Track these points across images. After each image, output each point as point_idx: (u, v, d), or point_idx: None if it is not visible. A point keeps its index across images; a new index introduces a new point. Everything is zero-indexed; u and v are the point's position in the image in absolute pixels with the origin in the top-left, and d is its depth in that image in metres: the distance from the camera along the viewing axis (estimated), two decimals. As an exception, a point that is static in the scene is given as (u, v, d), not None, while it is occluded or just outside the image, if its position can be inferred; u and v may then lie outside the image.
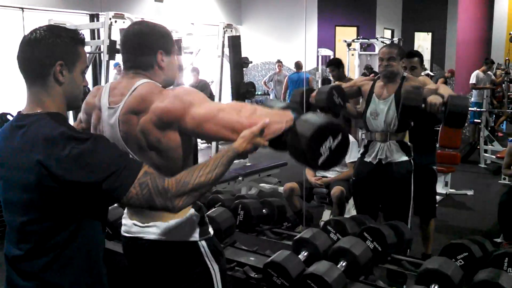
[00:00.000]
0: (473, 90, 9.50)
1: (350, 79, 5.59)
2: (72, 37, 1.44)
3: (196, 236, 1.74)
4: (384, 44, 4.62)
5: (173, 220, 1.71)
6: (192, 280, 1.74)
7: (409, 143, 3.32)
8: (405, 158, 3.28)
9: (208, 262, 1.76)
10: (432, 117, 3.53)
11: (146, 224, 1.74)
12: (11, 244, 1.48)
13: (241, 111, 1.58)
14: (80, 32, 1.51)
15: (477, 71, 9.52)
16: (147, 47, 1.69)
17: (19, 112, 1.48)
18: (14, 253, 1.46)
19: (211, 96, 7.48)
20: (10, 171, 1.42)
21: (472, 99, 9.49)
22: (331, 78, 6.02)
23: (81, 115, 1.91)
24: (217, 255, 1.80)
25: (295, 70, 11.10)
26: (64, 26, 1.50)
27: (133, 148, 1.65)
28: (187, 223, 1.73)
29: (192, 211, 1.76)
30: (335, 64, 5.83)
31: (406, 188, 3.33)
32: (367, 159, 3.37)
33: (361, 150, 3.51)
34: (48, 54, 1.39)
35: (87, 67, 1.56)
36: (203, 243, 1.75)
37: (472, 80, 9.51)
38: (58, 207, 1.38)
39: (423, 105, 2.89)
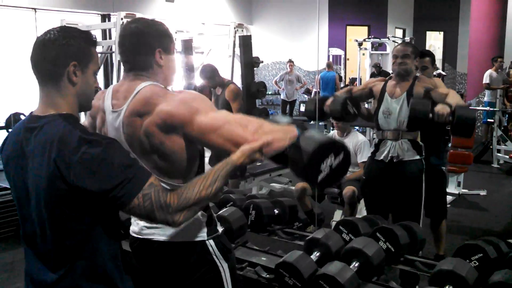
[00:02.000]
0: (486, 90, 9.41)
1: (228, 82, 5.20)
2: (85, 38, 1.45)
3: (203, 236, 1.74)
4: (398, 43, 4.58)
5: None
6: (201, 279, 1.74)
7: (420, 143, 3.30)
8: (417, 157, 3.26)
9: (217, 260, 1.75)
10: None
11: (154, 225, 1.73)
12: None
13: (247, 126, 1.56)
14: (93, 33, 1.51)
15: (490, 71, 9.43)
16: (145, 46, 1.67)
17: (31, 113, 1.49)
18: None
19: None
20: (25, 173, 1.42)
21: (485, 99, 9.40)
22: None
23: (86, 119, 1.91)
24: (226, 253, 1.79)
25: (305, 69, 11.08)
26: (77, 27, 1.49)
27: (137, 150, 1.64)
28: (194, 223, 1.72)
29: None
30: (207, 75, 5.20)
31: (418, 187, 3.31)
32: (378, 157, 3.35)
33: (372, 149, 3.49)
34: (61, 55, 1.40)
35: (99, 68, 1.56)
36: (211, 242, 1.75)
37: (486, 80, 9.42)
38: (66, 210, 1.38)
39: (430, 115, 2.89)
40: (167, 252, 1.74)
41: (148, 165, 1.61)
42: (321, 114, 3.27)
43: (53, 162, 1.33)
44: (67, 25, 5.50)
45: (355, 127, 5.16)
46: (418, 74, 3.32)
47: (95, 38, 1.51)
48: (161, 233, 1.72)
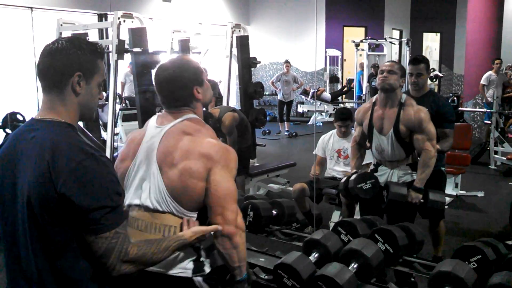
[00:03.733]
0: (487, 91, 9.40)
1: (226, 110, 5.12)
2: (93, 50, 1.47)
3: (189, 273, 1.78)
4: (395, 44, 4.57)
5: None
6: None
7: (418, 158, 3.30)
8: (415, 176, 3.29)
9: None
10: (440, 119, 3.51)
11: None
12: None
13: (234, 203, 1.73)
14: (100, 45, 1.53)
15: (489, 72, 9.43)
16: (183, 90, 1.80)
17: (32, 118, 1.49)
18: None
19: (219, 96, 7.44)
20: (15, 173, 1.41)
21: (484, 100, 9.41)
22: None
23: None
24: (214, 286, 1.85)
25: (302, 70, 11.07)
26: (73, 27, 1.50)
27: (163, 160, 1.72)
28: (183, 256, 1.77)
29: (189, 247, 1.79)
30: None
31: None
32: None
33: (371, 167, 3.50)
34: (67, 64, 1.41)
35: (104, 80, 1.57)
36: (198, 278, 1.79)
37: (483, 81, 9.41)
38: (48, 217, 1.36)
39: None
40: (152, 282, 1.77)
41: (167, 177, 1.71)
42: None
43: (46, 166, 1.33)
44: (69, 25, 5.49)
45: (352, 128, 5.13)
46: (403, 97, 3.28)
47: (103, 50, 1.53)
48: None
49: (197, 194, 1.71)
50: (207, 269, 1.84)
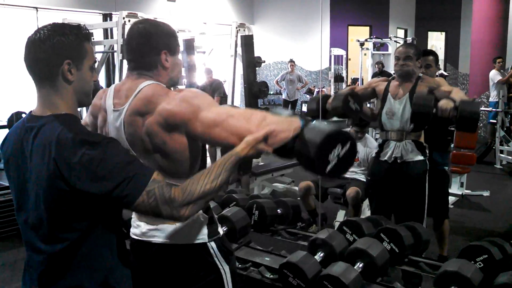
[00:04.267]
0: (491, 91, 9.33)
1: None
2: (77, 34, 1.41)
3: (204, 238, 1.72)
4: (400, 43, 4.57)
5: (180, 223, 1.69)
6: (202, 281, 1.72)
7: (424, 143, 3.29)
8: (421, 157, 3.25)
9: (218, 263, 1.74)
10: (445, 119, 3.51)
11: (153, 227, 1.72)
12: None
13: (250, 118, 1.55)
14: (83, 25, 1.48)
15: (494, 71, 9.38)
16: (151, 47, 1.66)
17: (30, 112, 1.47)
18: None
19: (224, 96, 7.45)
20: (24, 172, 1.42)
21: (491, 99, 9.36)
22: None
23: (87, 117, 1.90)
24: (227, 255, 1.78)
25: (307, 69, 11.05)
26: (68, 22, 1.48)
27: (139, 150, 1.63)
28: (195, 225, 1.71)
29: (199, 212, 1.71)
30: None
31: (421, 187, 3.30)
32: (382, 158, 3.34)
33: (376, 149, 3.48)
34: (54, 54, 1.37)
35: (95, 61, 1.54)
36: (212, 244, 1.73)
37: (498, 77, 9.29)
38: (66, 210, 1.37)
39: (434, 110, 2.89)
40: (168, 254, 1.72)
41: (150, 165, 1.59)
42: (324, 112, 3.25)
43: (54, 162, 1.32)
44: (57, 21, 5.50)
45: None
46: (421, 74, 3.30)
47: (87, 31, 1.47)
48: (161, 235, 1.71)
49: (189, 161, 1.63)
50: (221, 231, 1.80)
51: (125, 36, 1.72)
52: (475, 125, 2.87)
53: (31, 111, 1.47)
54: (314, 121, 1.62)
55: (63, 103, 1.42)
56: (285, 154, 1.61)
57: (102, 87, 7.93)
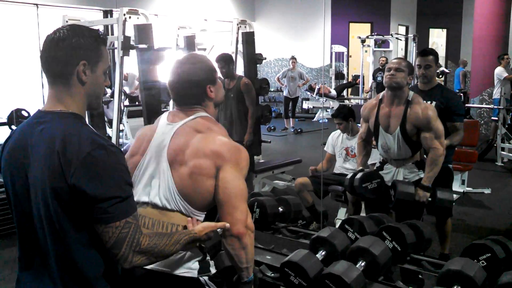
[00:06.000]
0: (496, 87, 9.30)
1: (240, 77, 5.40)
2: (95, 37, 1.44)
3: (194, 273, 1.75)
4: (401, 40, 4.54)
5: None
6: None
7: (424, 156, 3.27)
8: (422, 175, 3.25)
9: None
10: (449, 113, 3.48)
11: None
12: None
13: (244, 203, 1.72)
14: (102, 32, 1.50)
15: (500, 68, 9.32)
16: (197, 88, 1.81)
17: (39, 110, 1.47)
18: None
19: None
20: (26, 167, 1.40)
21: (494, 96, 9.32)
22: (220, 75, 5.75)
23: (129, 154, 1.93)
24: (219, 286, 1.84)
25: (308, 66, 11.04)
26: (79, 23, 1.48)
27: (174, 157, 1.72)
28: (189, 257, 1.75)
29: (195, 247, 1.78)
30: (225, 61, 5.44)
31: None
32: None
33: (377, 165, 3.47)
34: (71, 53, 1.39)
35: (109, 66, 1.55)
36: (205, 277, 1.78)
37: (504, 74, 9.23)
38: (61, 210, 1.35)
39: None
40: (156, 282, 1.74)
41: (172, 175, 1.70)
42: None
43: (56, 156, 1.32)
44: (75, 22, 5.48)
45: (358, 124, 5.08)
46: (410, 94, 3.23)
47: (105, 36, 1.50)
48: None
49: (207, 192, 1.70)
50: (213, 270, 1.82)
51: (170, 77, 1.85)
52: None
53: (39, 109, 1.48)
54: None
55: (73, 103, 1.43)
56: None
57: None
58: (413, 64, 3.48)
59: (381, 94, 3.39)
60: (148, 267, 1.68)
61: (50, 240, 1.39)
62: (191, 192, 1.70)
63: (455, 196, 5.57)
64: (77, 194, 1.32)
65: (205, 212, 1.76)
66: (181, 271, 1.73)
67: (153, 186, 1.75)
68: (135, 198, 1.76)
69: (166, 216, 1.72)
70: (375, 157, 3.81)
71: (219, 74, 5.65)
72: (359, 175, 3.24)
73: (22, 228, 1.48)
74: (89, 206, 1.33)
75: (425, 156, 3.28)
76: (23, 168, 1.41)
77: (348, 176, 3.39)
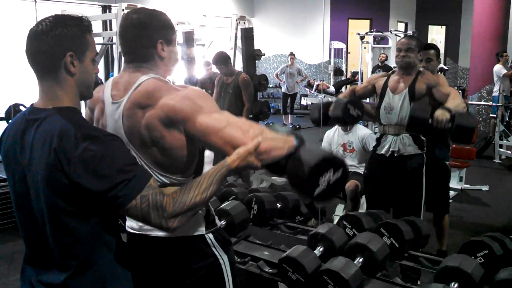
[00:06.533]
0: (496, 85, 9.29)
1: (239, 73, 5.45)
2: (79, 25, 1.40)
3: (202, 230, 1.71)
4: (401, 36, 4.57)
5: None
6: (201, 272, 1.72)
7: (422, 137, 3.28)
8: (418, 151, 3.28)
9: (217, 253, 1.74)
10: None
11: None
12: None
13: (248, 130, 1.54)
14: (84, 17, 1.46)
15: (499, 65, 9.31)
16: (147, 38, 1.62)
17: (32, 105, 1.45)
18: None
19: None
20: (24, 165, 1.40)
21: (494, 94, 9.32)
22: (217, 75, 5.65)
23: (84, 111, 1.86)
24: (225, 245, 1.78)
25: (306, 62, 11.01)
26: (69, 14, 1.45)
27: (136, 143, 1.60)
28: (192, 218, 1.70)
29: None
30: (222, 61, 5.40)
31: (418, 182, 3.31)
32: (380, 151, 3.36)
33: (374, 143, 3.49)
34: (57, 46, 1.36)
35: (97, 54, 1.52)
36: (210, 235, 1.73)
37: (503, 71, 9.22)
38: (64, 204, 1.35)
39: (430, 120, 2.88)
40: (166, 247, 1.71)
41: (147, 159, 1.59)
42: (326, 119, 3.29)
43: (54, 154, 1.31)
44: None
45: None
46: (421, 69, 3.29)
47: (89, 22, 1.45)
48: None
49: (181, 156, 1.59)
50: (218, 223, 1.80)
51: (119, 28, 1.68)
52: (470, 138, 2.87)
53: (32, 104, 1.46)
54: (309, 145, 1.62)
55: (66, 96, 1.41)
56: (276, 171, 1.61)
57: (101, 80, 7.91)
58: None
59: (389, 72, 3.50)
60: (158, 234, 1.67)
61: (52, 236, 1.39)
62: (168, 165, 1.60)
63: (452, 193, 5.59)
64: (81, 191, 1.32)
65: (193, 175, 1.68)
66: (189, 233, 1.69)
67: None
68: None
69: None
70: None
71: (216, 71, 5.67)
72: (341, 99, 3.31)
73: (24, 225, 1.47)
74: (99, 199, 1.33)
75: (423, 138, 3.29)
76: (21, 166, 1.41)
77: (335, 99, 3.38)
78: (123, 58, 1.71)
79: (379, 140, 3.40)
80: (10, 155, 1.45)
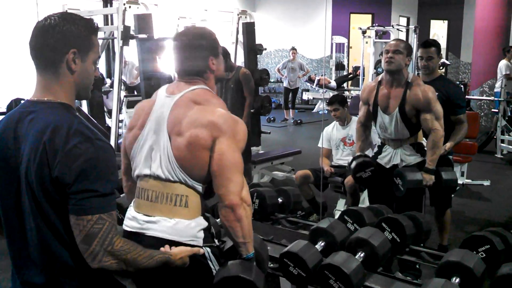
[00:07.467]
0: (499, 81, 9.25)
1: (239, 67, 5.41)
2: (86, 26, 1.41)
3: (199, 241, 1.75)
4: (402, 31, 4.54)
5: (181, 219, 1.72)
6: (195, 281, 1.75)
7: (423, 141, 3.26)
8: (419, 159, 3.24)
9: (212, 267, 1.78)
10: (452, 106, 3.47)
11: (150, 219, 1.74)
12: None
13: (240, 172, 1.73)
14: (94, 21, 1.47)
15: (504, 61, 9.26)
16: (200, 58, 1.80)
17: (27, 100, 1.44)
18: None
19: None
20: (17, 157, 1.38)
21: (496, 90, 9.29)
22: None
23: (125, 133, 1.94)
24: (219, 260, 1.83)
25: (308, 57, 10.98)
26: (79, 13, 1.45)
27: (173, 131, 1.71)
28: (195, 225, 1.75)
29: (201, 217, 1.79)
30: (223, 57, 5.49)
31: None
32: (381, 161, 3.34)
33: (375, 149, 3.47)
34: (62, 41, 1.36)
35: (99, 57, 1.53)
36: (207, 249, 1.77)
37: (506, 70, 9.18)
38: (47, 202, 1.34)
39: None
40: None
41: (175, 146, 1.70)
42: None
43: (43, 148, 1.30)
44: (68, 10, 5.45)
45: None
46: (410, 75, 3.20)
47: (97, 25, 1.46)
48: (157, 228, 1.72)
49: (203, 163, 1.70)
50: (216, 241, 1.84)
51: (174, 48, 1.84)
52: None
53: (27, 99, 1.45)
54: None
55: (62, 92, 1.41)
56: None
57: (102, 74, 7.89)
58: (415, 56, 3.48)
59: (380, 76, 3.37)
60: (155, 234, 1.70)
61: (35, 231, 1.38)
62: (188, 163, 1.70)
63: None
64: (59, 186, 1.30)
65: (205, 185, 1.76)
66: (187, 239, 1.72)
67: (154, 159, 1.75)
68: (136, 172, 1.80)
69: (170, 187, 1.73)
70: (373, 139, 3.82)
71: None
72: (353, 164, 3.25)
73: (8, 218, 1.45)
74: (65, 194, 1.31)
75: (424, 139, 3.27)
76: (13, 161, 1.38)
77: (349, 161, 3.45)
78: (176, 74, 1.88)
79: (380, 148, 3.40)
80: (5, 148, 1.42)
